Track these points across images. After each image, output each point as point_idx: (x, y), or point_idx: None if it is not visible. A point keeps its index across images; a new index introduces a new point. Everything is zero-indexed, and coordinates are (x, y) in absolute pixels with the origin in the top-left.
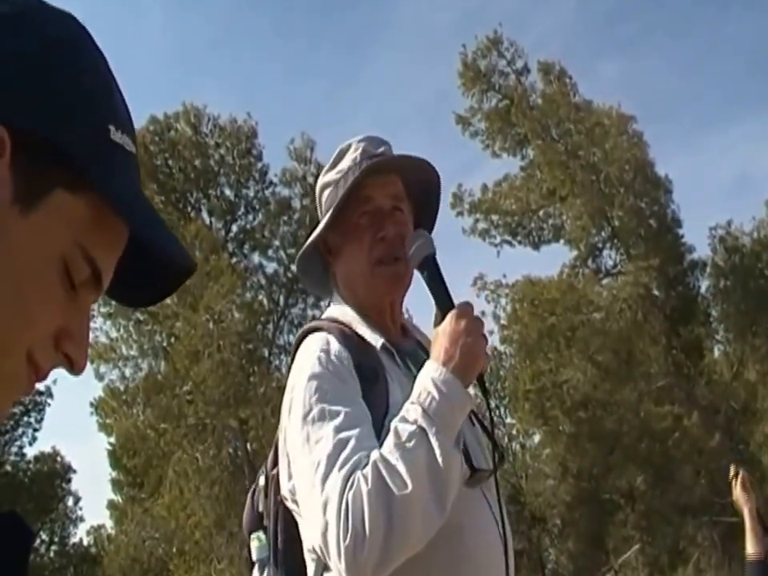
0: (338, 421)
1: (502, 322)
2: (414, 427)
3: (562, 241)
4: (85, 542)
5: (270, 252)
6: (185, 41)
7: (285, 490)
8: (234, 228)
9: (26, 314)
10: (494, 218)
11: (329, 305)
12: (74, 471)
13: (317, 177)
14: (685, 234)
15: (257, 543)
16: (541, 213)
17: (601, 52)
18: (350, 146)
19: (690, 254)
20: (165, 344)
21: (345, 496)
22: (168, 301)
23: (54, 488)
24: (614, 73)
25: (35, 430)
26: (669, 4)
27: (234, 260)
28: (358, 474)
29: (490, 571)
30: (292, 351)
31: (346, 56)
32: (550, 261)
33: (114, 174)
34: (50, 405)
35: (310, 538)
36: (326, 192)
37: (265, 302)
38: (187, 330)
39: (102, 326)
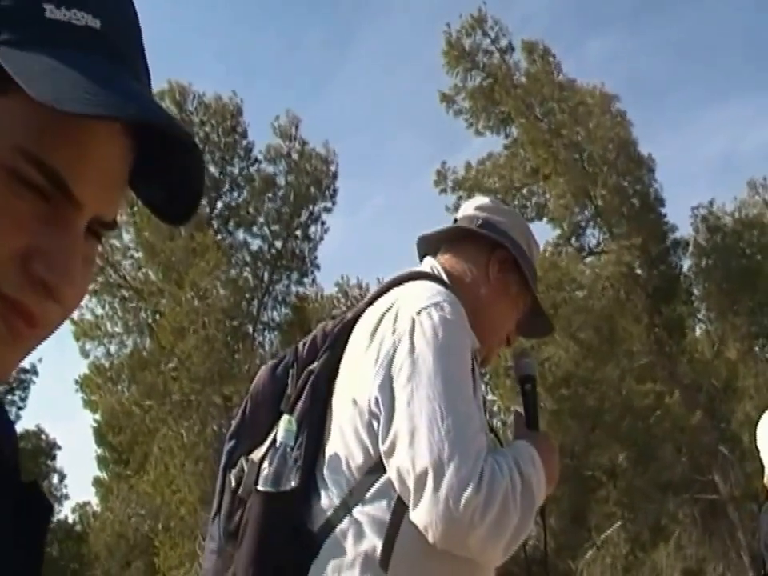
0: (468, 385)
1: None
2: (528, 482)
3: (545, 219)
4: (70, 520)
5: (255, 229)
6: (171, 17)
7: (363, 394)
8: (219, 205)
9: None
10: (478, 195)
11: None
12: (59, 448)
13: (301, 153)
14: (668, 214)
15: (288, 426)
16: (524, 191)
17: (587, 30)
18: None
19: (673, 234)
20: (150, 321)
21: (481, 462)
22: (153, 277)
23: (38, 465)
24: (600, 52)
25: (19, 408)
26: None
27: (219, 237)
28: (491, 458)
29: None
30: (396, 280)
31: (333, 33)
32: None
33: (38, 53)
34: (34, 382)
35: (412, 456)
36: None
37: (249, 278)
38: (172, 307)
39: (87, 304)
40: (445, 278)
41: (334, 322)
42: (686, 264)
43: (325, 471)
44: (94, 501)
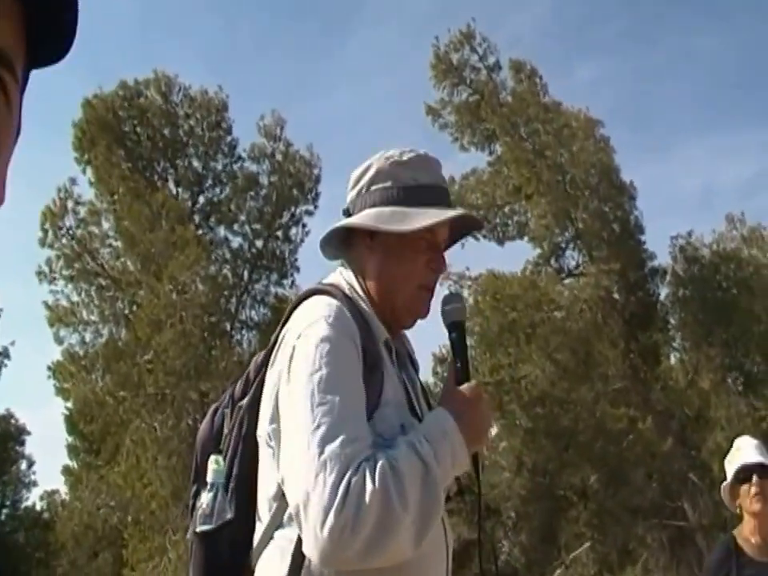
0: (345, 395)
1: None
2: (423, 462)
3: (526, 238)
4: (38, 507)
5: (236, 227)
6: (158, 6)
7: (262, 430)
8: (201, 200)
9: None
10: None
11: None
12: (29, 434)
13: (285, 155)
14: (647, 241)
15: (215, 466)
16: (506, 209)
17: (574, 54)
18: (428, 160)
19: (651, 261)
20: (126, 311)
21: (347, 476)
22: (131, 267)
23: (7, 450)
24: (586, 75)
25: None
26: (644, 12)
27: (200, 232)
28: (365, 465)
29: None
30: (293, 304)
31: (322, 36)
32: (514, 257)
33: None
34: (6, 365)
35: (288, 489)
36: (390, 181)
37: (229, 276)
38: (150, 299)
39: (63, 289)
40: (350, 279)
41: (263, 352)
42: (663, 292)
43: (258, 501)
44: (63, 489)
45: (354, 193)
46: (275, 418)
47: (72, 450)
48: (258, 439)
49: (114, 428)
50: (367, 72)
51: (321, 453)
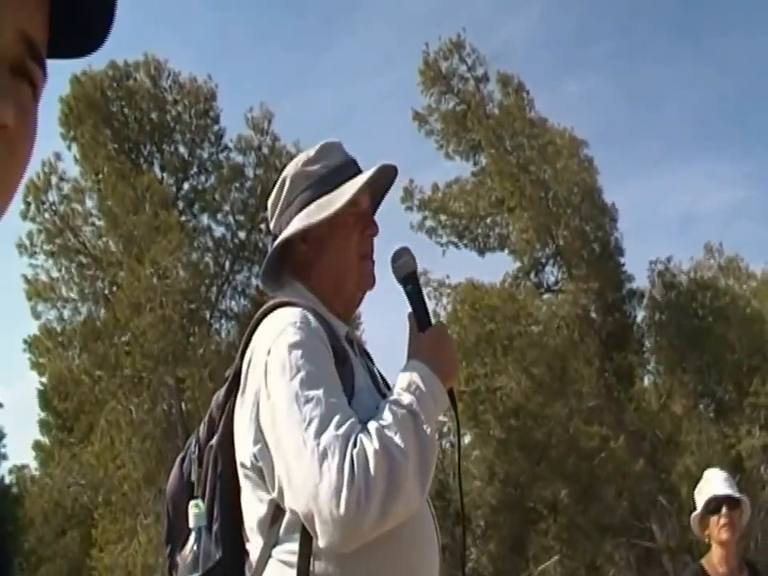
0: (327, 386)
1: (442, 320)
2: (408, 412)
3: (506, 250)
4: (7, 481)
5: (220, 216)
6: None
7: (245, 455)
8: (186, 186)
9: None
10: (443, 218)
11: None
12: (1, 406)
13: (272, 149)
14: (626, 263)
15: (195, 510)
16: (488, 220)
17: (562, 71)
18: (332, 144)
19: (629, 283)
20: (106, 291)
21: (348, 452)
22: (113, 248)
23: None
24: (573, 91)
25: None
26: (635, 35)
27: (183, 218)
28: (360, 435)
29: (429, 562)
30: (254, 322)
31: (315, 32)
32: (494, 268)
33: None
34: None
35: (292, 495)
36: (306, 181)
37: (211, 264)
38: (130, 281)
39: (43, 264)
40: (298, 289)
41: (223, 389)
42: (640, 315)
43: (246, 531)
44: (33, 465)
45: (276, 214)
46: (259, 438)
47: (44, 426)
48: (239, 470)
49: (89, 407)
50: (357, 72)
51: (318, 443)
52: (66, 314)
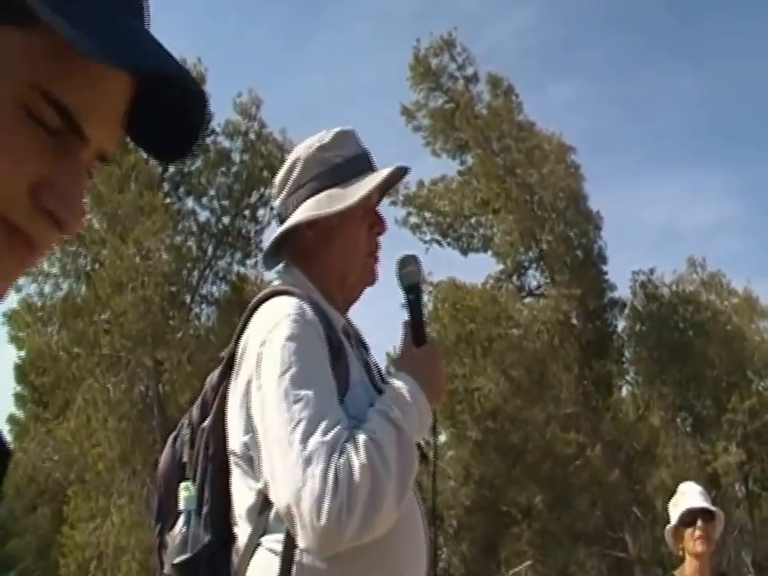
0: (318, 386)
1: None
2: (395, 427)
3: (489, 252)
4: None
5: (205, 200)
6: None
7: (236, 443)
8: (171, 168)
9: None
10: (427, 215)
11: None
12: None
13: (258, 135)
14: (608, 272)
15: (186, 493)
16: (473, 220)
17: (550, 74)
18: (347, 133)
19: (611, 292)
20: (88, 268)
21: (333, 461)
22: (96, 226)
23: None
24: (560, 96)
25: None
26: (625, 43)
27: (168, 200)
28: (346, 445)
29: (416, 559)
30: (250, 309)
31: (305, 20)
32: (477, 269)
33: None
34: None
35: (275, 493)
36: (319, 167)
37: (193, 248)
38: (113, 260)
39: None
40: (297, 276)
41: (217, 371)
42: (621, 324)
43: (236, 517)
44: (7, 438)
45: (284, 194)
46: (249, 427)
47: (19, 400)
48: (229, 456)
49: (65, 383)
50: (347, 62)
51: (304, 447)
52: (47, 288)
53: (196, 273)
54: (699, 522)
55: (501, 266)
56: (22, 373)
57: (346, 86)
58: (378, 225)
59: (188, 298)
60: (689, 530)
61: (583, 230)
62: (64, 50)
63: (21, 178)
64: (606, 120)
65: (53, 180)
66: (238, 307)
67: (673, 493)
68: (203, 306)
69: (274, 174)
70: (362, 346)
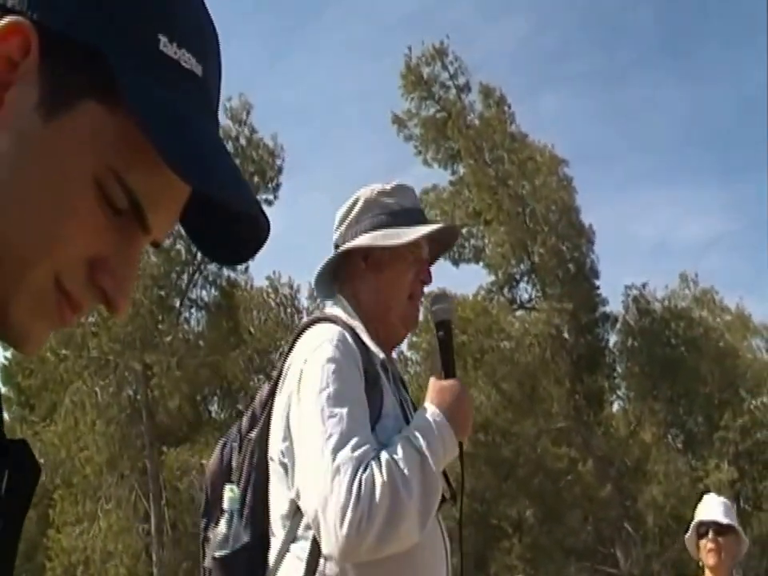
0: (352, 407)
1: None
2: (418, 453)
3: (481, 263)
4: None
5: None
6: None
7: (275, 450)
8: None
9: (53, 224)
10: None
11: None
12: None
13: (249, 140)
14: (600, 286)
15: (230, 494)
16: (464, 231)
17: (542, 86)
18: (407, 187)
19: (603, 306)
20: None
21: (358, 475)
22: None
23: None
24: (551, 107)
25: None
26: (617, 56)
27: None
28: (372, 463)
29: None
30: (297, 332)
31: (297, 25)
32: (468, 280)
33: (153, 87)
34: None
35: (304, 499)
36: (378, 210)
37: (183, 252)
38: None
39: None
40: (345, 307)
41: (267, 386)
42: (612, 339)
43: (271, 524)
44: None
45: (343, 227)
46: (287, 436)
47: (5, 401)
48: (270, 462)
49: (53, 385)
50: (338, 68)
51: (334, 459)
52: None
53: (185, 277)
54: (711, 534)
55: (492, 278)
56: (8, 374)
57: (335, 94)
58: (424, 274)
59: (177, 302)
60: (702, 542)
61: (575, 243)
62: (142, 138)
63: (81, 247)
64: (597, 133)
65: (111, 259)
66: (228, 312)
67: (664, 509)
68: (192, 310)
69: (264, 179)
70: (400, 382)
